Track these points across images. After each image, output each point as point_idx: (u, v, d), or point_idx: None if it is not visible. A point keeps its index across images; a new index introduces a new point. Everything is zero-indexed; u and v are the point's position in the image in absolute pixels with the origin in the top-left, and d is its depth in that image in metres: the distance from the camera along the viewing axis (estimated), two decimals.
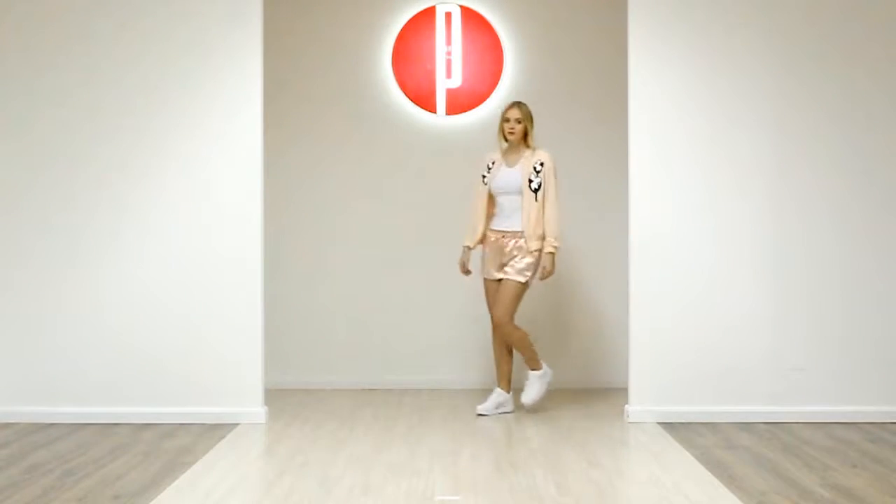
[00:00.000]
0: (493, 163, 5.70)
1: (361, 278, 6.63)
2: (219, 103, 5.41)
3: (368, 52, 6.62)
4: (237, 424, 5.29)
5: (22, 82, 5.43)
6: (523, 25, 6.63)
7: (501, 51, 6.61)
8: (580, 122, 6.59)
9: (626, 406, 5.44)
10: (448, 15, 6.60)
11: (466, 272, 5.81)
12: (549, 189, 5.59)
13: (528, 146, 5.66)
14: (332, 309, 6.62)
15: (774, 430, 5.17)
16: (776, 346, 5.42)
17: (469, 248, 5.77)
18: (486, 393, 6.06)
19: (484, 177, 5.71)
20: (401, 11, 6.62)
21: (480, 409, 5.63)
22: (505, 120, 5.66)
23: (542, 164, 5.59)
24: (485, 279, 5.74)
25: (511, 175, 5.63)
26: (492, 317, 5.67)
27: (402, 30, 6.61)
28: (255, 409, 5.38)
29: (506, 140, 5.68)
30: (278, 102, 6.36)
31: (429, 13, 6.61)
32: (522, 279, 5.55)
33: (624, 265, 5.47)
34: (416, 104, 6.58)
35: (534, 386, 5.69)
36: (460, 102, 6.60)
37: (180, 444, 4.86)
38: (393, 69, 6.61)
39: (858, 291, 5.44)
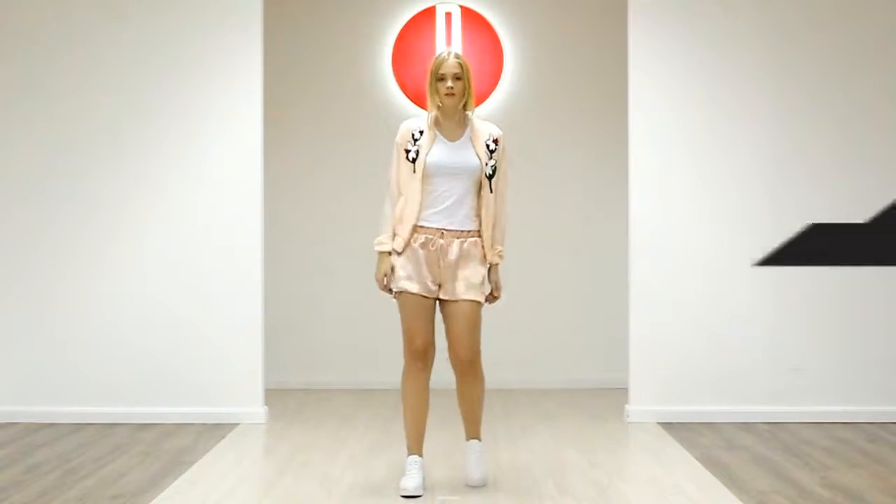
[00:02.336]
0: (421, 133, 4.05)
1: (361, 278, 6.61)
2: (219, 103, 5.41)
3: (368, 52, 6.62)
4: (237, 424, 5.29)
5: (22, 82, 5.43)
6: (523, 25, 6.63)
7: (501, 51, 6.61)
8: (580, 121, 6.59)
9: (626, 406, 5.44)
10: (448, 15, 6.59)
11: (390, 290, 4.05)
12: (503, 177, 4.09)
13: (466, 113, 4.07)
14: (332, 309, 6.62)
15: (774, 430, 5.17)
16: (776, 345, 5.42)
17: (397, 254, 4.01)
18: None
19: (408, 152, 4.04)
20: (401, 11, 6.62)
21: (414, 490, 3.92)
22: (439, 78, 4.02)
23: (495, 142, 4.04)
24: (406, 292, 3.97)
25: (461, 152, 4.00)
26: (421, 348, 3.99)
27: (402, 30, 6.60)
28: (255, 409, 5.38)
29: (438, 105, 4.05)
30: (278, 102, 6.36)
31: (429, 13, 6.61)
32: (482, 298, 4.02)
33: (624, 265, 5.47)
34: (416, 104, 6.57)
35: (482, 459, 4.12)
36: None
37: (180, 444, 4.86)
38: (393, 69, 6.61)
39: (858, 291, 5.44)
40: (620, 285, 5.65)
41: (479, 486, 4.06)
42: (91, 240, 5.42)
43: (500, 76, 6.60)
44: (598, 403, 5.95)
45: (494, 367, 6.45)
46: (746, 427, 5.23)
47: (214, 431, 5.12)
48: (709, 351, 5.42)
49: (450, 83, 3.97)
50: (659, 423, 5.30)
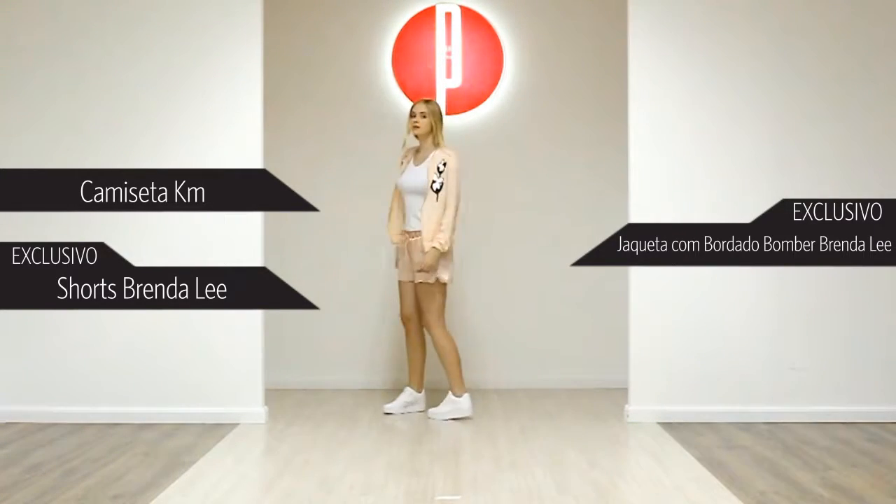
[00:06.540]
0: (406, 158, 5.68)
1: (361, 278, 6.62)
2: (218, 104, 5.41)
3: (368, 52, 6.62)
4: (237, 424, 5.29)
5: (21, 82, 5.42)
6: (523, 25, 6.63)
7: (501, 51, 6.61)
8: (580, 121, 6.59)
9: (626, 406, 5.44)
10: (448, 15, 6.59)
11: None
12: (451, 191, 5.43)
13: (436, 144, 5.54)
14: (331, 309, 6.61)
15: (774, 430, 5.17)
16: (776, 346, 5.42)
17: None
18: (484, 393, 6.06)
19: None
20: (401, 11, 6.62)
21: (388, 407, 5.65)
22: (411, 115, 5.56)
23: (444, 164, 5.44)
24: (399, 280, 5.70)
25: (417, 174, 5.51)
26: (402, 316, 5.71)
27: (402, 30, 6.60)
28: (255, 409, 5.38)
29: (409, 134, 5.62)
30: (278, 102, 6.36)
31: (429, 13, 6.61)
32: (431, 280, 5.43)
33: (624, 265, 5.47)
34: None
35: (445, 406, 5.56)
36: (460, 102, 6.59)
37: (180, 444, 4.86)
38: (393, 69, 6.61)
39: (859, 291, 5.43)
40: (621, 285, 5.64)
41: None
42: (90, 239, 5.40)
43: (499, 76, 6.60)
44: (598, 403, 5.94)
45: (495, 367, 6.51)
46: (746, 427, 5.23)
47: (214, 431, 5.12)
48: (709, 351, 5.41)
49: (417, 119, 5.54)
50: (659, 423, 5.30)
